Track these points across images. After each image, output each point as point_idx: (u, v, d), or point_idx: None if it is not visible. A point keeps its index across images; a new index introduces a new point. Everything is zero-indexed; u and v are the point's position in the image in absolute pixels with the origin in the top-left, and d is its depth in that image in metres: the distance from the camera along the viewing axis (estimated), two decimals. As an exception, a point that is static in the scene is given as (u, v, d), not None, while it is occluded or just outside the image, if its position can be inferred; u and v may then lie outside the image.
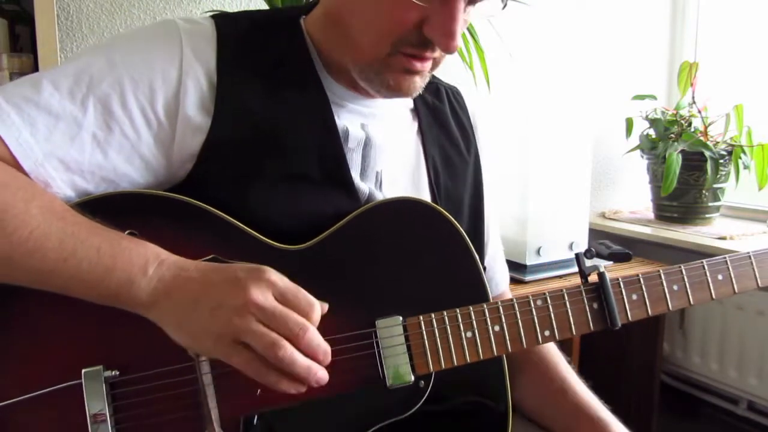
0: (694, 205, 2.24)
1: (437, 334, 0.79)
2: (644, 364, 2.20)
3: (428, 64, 0.79)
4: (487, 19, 0.79)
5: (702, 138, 2.17)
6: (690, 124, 2.22)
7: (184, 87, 0.75)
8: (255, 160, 0.78)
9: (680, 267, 0.88)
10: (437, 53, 0.78)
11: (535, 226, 1.90)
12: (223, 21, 0.81)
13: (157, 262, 0.67)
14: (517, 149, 1.93)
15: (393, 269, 0.81)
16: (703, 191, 2.21)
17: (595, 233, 2.29)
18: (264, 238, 0.76)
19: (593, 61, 2.39)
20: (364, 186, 0.85)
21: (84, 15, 1.67)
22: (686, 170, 2.16)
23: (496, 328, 0.81)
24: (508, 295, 1.06)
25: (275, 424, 0.73)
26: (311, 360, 0.65)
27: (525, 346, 0.82)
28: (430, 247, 0.83)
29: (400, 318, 0.78)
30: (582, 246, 1.98)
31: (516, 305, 0.82)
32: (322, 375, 0.66)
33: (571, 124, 2.09)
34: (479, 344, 0.80)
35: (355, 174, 0.85)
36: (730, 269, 0.91)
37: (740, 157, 2.11)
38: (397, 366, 0.77)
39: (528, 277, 1.89)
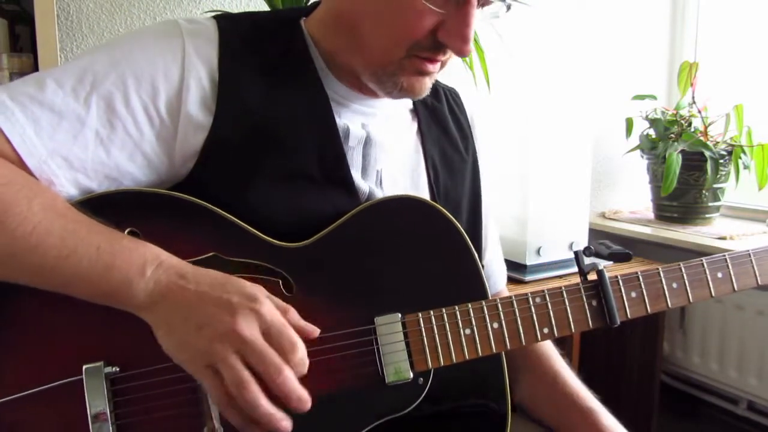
0: (694, 205, 2.24)
1: (436, 331, 0.79)
2: (644, 364, 2.20)
3: (438, 66, 0.81)
4: (490, 21, 0.80)
5: (702, 138, 2.17)
6: (690, 124, 2.22)
7: (186, 85, 0.76)
8: (255, 159, 0.78)
9: (679, 265, 0.89)
10: (447, 56, 0.80)
11: (535, 226, 1.90)
12: (224, 21, 0.82)
13: (155, 264, 0.67)
14: (517, 149, 1.93)
15: (392, 267, 0.81)
16: (703, 191, 2.21)
17: (595, 233, 2.29)
18: (264, 236, 0.77)
19: (593, 61, 2.39)
20: (364, 185, 0.85)
21: (84, 15, 1.67)
22: (686, 170, 2.16)
23: (495, 325, 0.81)
24: (506, 294, 1.06)
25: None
26: (276, 408, 0.65)
27: (524, 343, 0.82)
28: (430, 245, 0.84)
29: (399, 315, 0.78)
30: (582, 246, 1.97)
31: (515, 303, 0.82)
32: (284, 425, 0.65)
33: (571, 124, 2.09)
34: (478, 341, 0.80)
35: (356, 172, 0.85)
36: (730, 267, 0.91)
37: (740, 157, 2.11)
38: (396, 363, 0.77)
39: (528, 277, 1.89)
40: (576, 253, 0.87)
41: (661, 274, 0.87)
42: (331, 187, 0.82)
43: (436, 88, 1.00)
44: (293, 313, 0.70)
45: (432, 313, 0.79)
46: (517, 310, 0.82)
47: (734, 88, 2.32)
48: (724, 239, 2.04)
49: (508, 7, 0.80)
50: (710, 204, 2.24)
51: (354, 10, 0.79)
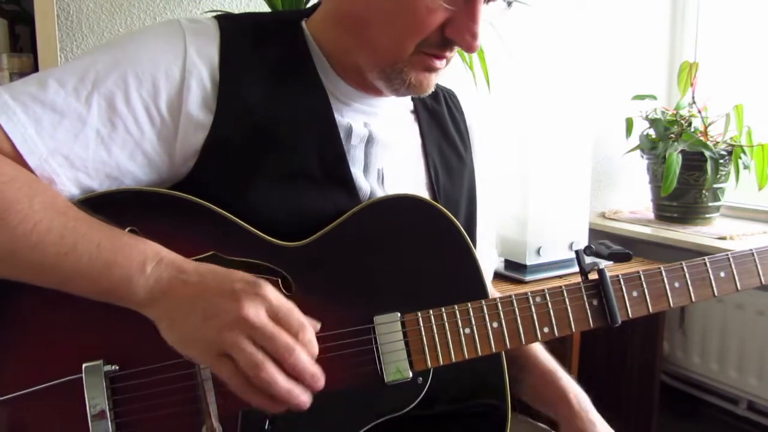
0: (694, 205, 2.24)
1: (435, 331, 0.79)
2: (644, 364, 2.20)
3: (445, 62, 0.82)
4: (490, 20, 0.80)
5: (702, 138, 2.17)
6: (690, 124, 2.22)
7: (187, 85, 0.76)
8: (256, 158, 0.78)
9: (682, 264, 0.88)
10: (453, 52, 0.81)
11: (535, 226, 1.90)
12: (226, 21, 0.82)
13: (156, 261, 0.67)
14: (517, 149, 1.94)
15: (392, 266, 0.81)
16: (703, 191, 2.21)
17: (595, 233, 2.29)
18: (264, 235, 0.77)
19: (593, 61, 2.39)
20: (365, 183, 0.86)
21: (84, 15, 1.67)
22: (686, 170, 2.16)
23: (495, 324, 0.81)
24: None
25: (275, 418, 0.73)
26: (295, 383, 0.65)
27: (524, 342, 0.82)
28: (430, 244, 0.83)
29: (399, 314, 0.78)
30: (582, 246, 1.97)
31: (515, 302, 0.82)
32: (303, 399, 0.66)
33: (571, 124, 2.09)
34: (477, 341, 0.80)
35: (358, 171, 0.86)
36: (733, 266, 0.90)
37: (740, 157, 2.11)
38: (395, 362, 0.77)
39: (528, 277, 1.89)
40: (577, 252, 0.87)
41: (663, 274, 0.87)
42: (332, 187, 0.82)
43: (435, 90, 0.99)
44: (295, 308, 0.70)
45: (431, 312, 0.79)
46: (517, 310, 0.82)
47: (734, 88, 2.32)
48: (724, 239, 2.04)
49: (509, 4, 0.81)
50: (710, 204, 2.24)
51: (360, 8, 0.79)
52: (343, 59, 0.84)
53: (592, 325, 0.85)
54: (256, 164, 0.78)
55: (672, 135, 2.20)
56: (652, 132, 2.29)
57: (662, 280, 0.87)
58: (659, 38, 2.56)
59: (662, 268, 0.87)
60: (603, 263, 0.86)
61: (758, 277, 0.92)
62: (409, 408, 0.79)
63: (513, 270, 1.93)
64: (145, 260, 0.67)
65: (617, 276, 0.86)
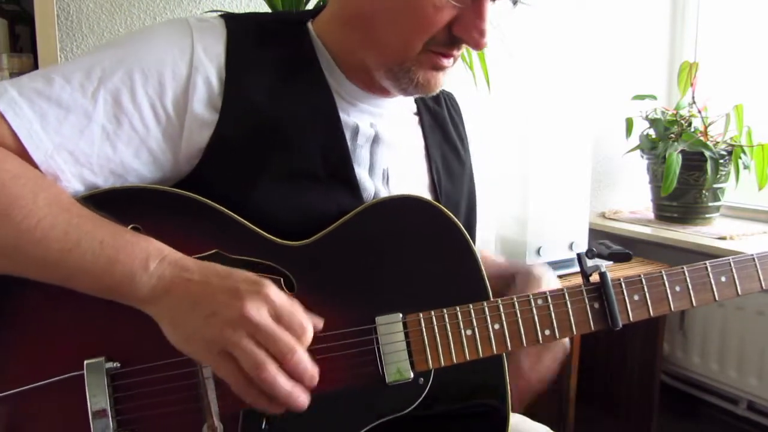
0: (694, 205, 2.24)
1: (437, 332, 0.79)
2: (644, 364, 2.20)
3: (452, 61, 0.82)
4: (495, 20, 0.81)
5: (702, 138, 2.17)
6: (690, 124, 2.22)
7: (193, 83, 0.76)
8: (260, 157, 0.79)
9: (683, 268, 0.88)
10: (461, 51, 0.81)
11: (535, 226, 1.90)
12: (232, 21, 0.83)
13: (159, 258, 0.67)
14: (517, 149, 1.94)
15: (394, 266, 0.81)
16: (703, 191, 2.21)
17: (595, 233, 2.29)
18: (266, 234, 0.77)
19: (593, 61, 2.39)
20: (370, 183, 0.86)
21: (84, 15, 1.67)
22: (686, 170, 2.16)
23: (496, 326, 0.81)
24: None
25: (274, 418, 0.73)
26: (295, 383, 0.66)
27: (525, 344, 0.82)
28: (432, 245, 0.83)
29: (400, 315, 0.78)
30: (582, 246, 1.98)
31: (516, 304, 0.82)
32: (302, 401, 0.66)
33: (571, 124, 2.09)
34: (479, 342, 0.80)
35: (363, 170, 0.86)
36: (734, 271, 0.90)
37: (740, 157, 2.11)
38: (397, 363, 0.77)
39: (528, 277, 1.88)
40: (579, 255, 0.87)
41: (665, 278, 0.87)
42: (335, 186, 0.83)
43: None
44: (298, 305, 0.70)
45: (433, 313, 0.79)
46: (518, 311, 0.82)
47: (734, 88, 2.32)
48: (724, 239, 2.04)
49: (515, 3, 0.81)
50: (710, 204, 2.24)
51: (367, 8, 0.80)
52: (349, 59, 0.85)
53: (593, 328, 0.85)
54: (261, 163, 0.78)
55: (672, 135, 2.20)
56: (652, 132, 2.29)
57: (663, 283, 0.87)
58: (659, 38, 2.56)
59: (663, 271, 0.87)
60: (603, 264, 0.86)
61: (759, 282, 0.91)
62: (409, 409, 0.79)
63: (513, 270, 1.93)
64: (148, 258, 0.67)
65: (618, 279, 0.86)
